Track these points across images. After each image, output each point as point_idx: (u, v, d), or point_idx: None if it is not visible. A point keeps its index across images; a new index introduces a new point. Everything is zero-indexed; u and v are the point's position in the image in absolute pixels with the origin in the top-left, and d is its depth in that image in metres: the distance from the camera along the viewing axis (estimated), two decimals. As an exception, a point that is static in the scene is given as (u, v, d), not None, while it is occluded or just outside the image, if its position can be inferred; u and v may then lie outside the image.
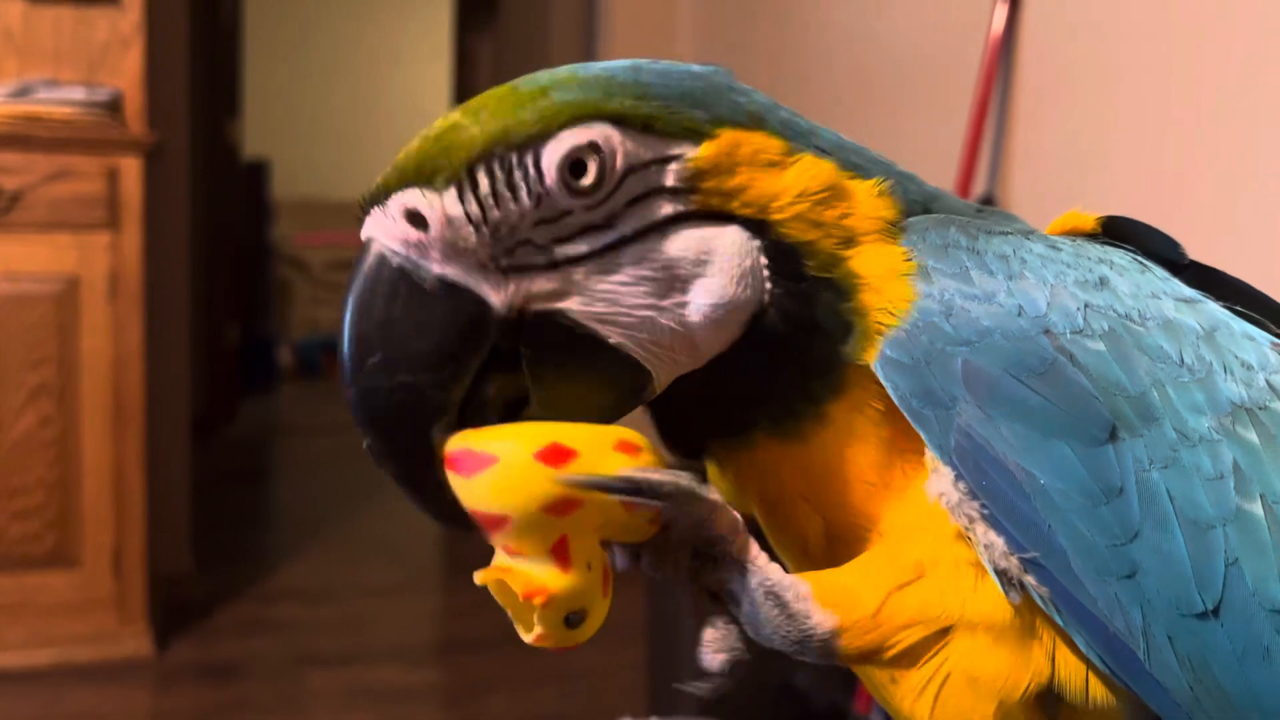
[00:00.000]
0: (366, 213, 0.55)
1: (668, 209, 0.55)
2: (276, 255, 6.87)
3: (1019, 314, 0.53)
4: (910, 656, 0.54)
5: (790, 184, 0.56)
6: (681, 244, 0.55)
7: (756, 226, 0.56)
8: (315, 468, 4.74)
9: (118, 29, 2.76)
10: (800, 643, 0.54)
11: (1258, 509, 0.51)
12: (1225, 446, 0.52)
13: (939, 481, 0.53)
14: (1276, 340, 0.59)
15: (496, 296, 0.54)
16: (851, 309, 0.55)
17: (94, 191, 2.60)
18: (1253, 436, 0.53)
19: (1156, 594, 0.50)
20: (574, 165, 0.53)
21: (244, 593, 3.18)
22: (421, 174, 0.53)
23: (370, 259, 0.54)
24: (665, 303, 0.55)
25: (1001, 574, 0.52)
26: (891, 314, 0.55)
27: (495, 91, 0.56)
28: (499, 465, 0.51)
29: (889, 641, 0.54)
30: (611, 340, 0.55)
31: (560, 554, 0.52)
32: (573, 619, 0.52)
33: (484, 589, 0.53)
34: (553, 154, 0.53)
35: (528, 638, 0.53)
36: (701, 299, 0.55)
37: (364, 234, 0.55)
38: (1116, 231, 0.62)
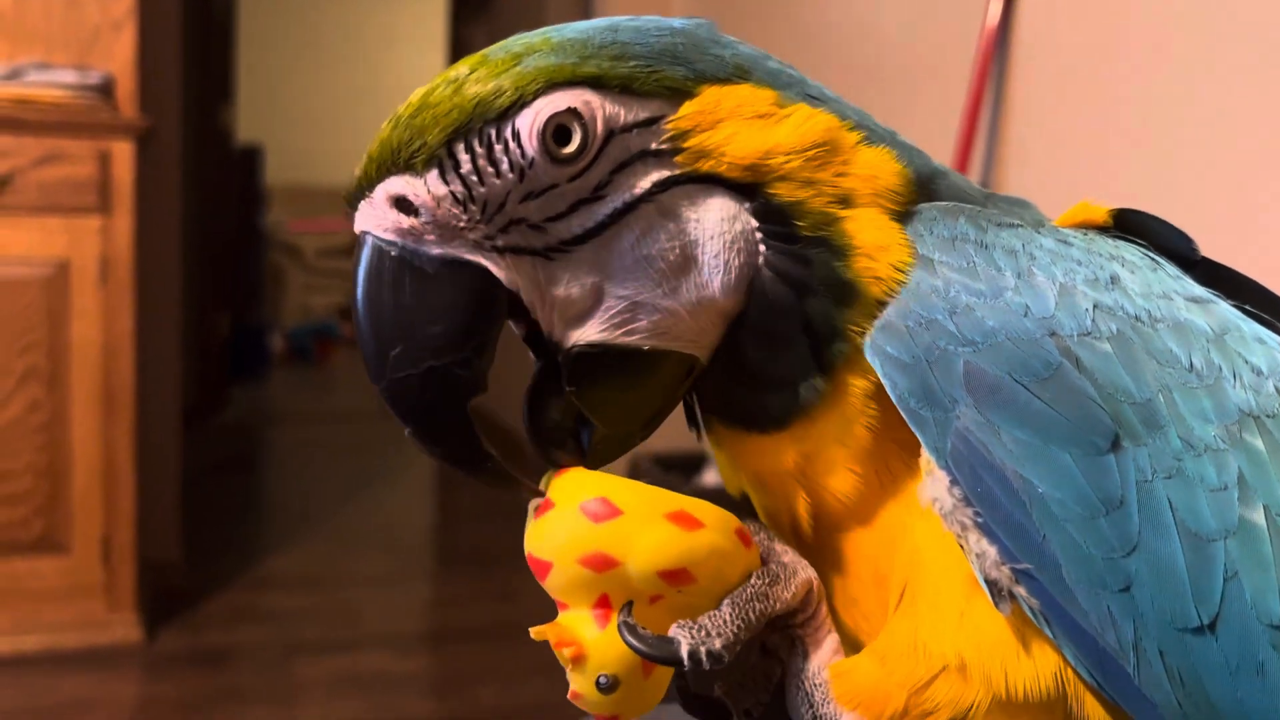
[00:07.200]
0: (354, 207, 0.54)
1: (655, 175, 0.54)
2: (269, 242, 6.85)
3: (1025, 314, 0.51)
4: None
5: (783, 139, 0.55)
6: (677, 214, 0.54)
7: (745, 188, 0.54)
8: (306, 456, 4.73)
9: (109, 12, 2.74)
10: None
11: (1260, 521, 0.50)
12: (1231, 455, 0.50)
13: (933, 486, 0.52)
14: None
15: (500, 271, 0.53)
16: (846, 270, 0.54)
17: (85, 175, 2.58)
18: (1259, 445, 0.51)
19: (1151, 608, 0.48)
20: (556, 133, 0.52)
21: (233, 581, 3.17)
22: (400, 158, 0.52)
23: (368, 253, 0.53)
24: (679, 285, 0.54)
25: (992, 584, 0.50)
26: (889, 290, 0.53)
27: (467, 61, 0.54)
28: (551, 511, 0.53)
29: None
30: (645, 347, 0.54)
31: (601, 612, 0.52)
32: (603, 683, 0.52)
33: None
34: (531, 122, 0.52)
35: (570, 696, 0.53)
36: (708, 271, 0.54)
37: (356, 228, 0.54)
38: (1128, 224, 0.61)
